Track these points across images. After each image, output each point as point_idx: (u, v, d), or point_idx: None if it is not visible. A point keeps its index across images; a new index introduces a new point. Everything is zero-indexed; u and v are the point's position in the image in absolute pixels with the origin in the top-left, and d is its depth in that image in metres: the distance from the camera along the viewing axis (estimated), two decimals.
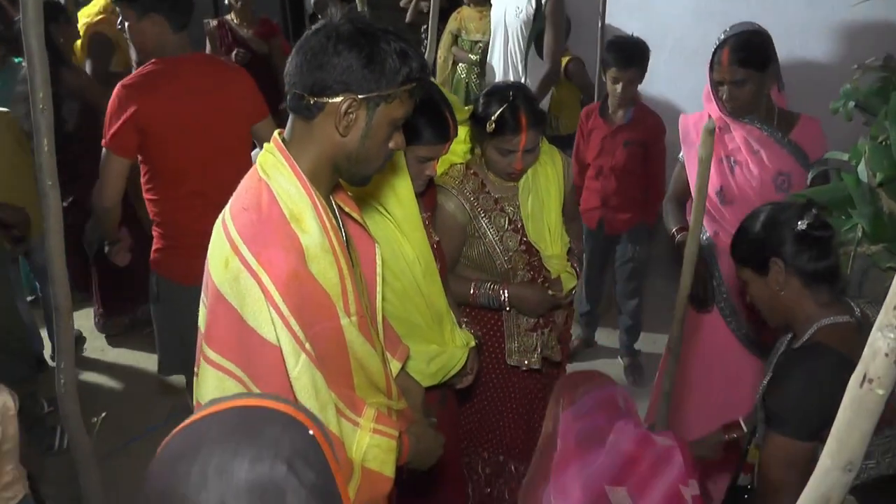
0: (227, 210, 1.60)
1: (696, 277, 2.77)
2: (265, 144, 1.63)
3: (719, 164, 2.78)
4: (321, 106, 1.52)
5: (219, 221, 1.60)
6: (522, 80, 4.22)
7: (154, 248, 2.90)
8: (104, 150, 2.72)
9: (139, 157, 2.78)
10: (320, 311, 1.55)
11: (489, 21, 4.61)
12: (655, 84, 3.78)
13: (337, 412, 1.58)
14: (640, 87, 3.79)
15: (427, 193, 2.39)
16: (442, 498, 2.47)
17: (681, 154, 3.00)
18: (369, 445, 1.64)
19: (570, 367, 3.29)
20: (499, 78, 4.45)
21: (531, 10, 4.23)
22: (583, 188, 3.96)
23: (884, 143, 2.13)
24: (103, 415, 2.28)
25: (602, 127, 3.81)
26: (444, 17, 4.99)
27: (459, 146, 2.60)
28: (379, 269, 1.83)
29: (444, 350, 2.25)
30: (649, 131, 3.78)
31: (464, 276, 2.58)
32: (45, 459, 3.23)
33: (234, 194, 1.63)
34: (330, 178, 1.63)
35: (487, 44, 4.68)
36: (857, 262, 2.18)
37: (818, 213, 1.94)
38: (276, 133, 1.63)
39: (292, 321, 1.48)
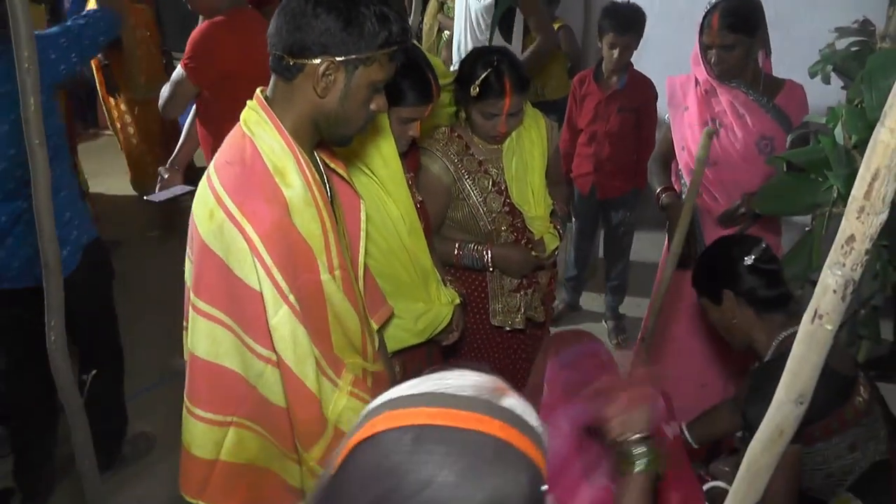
0: (211, 165, 1.63)
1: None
2: (248, 101, 1.65)
3: (704, 127, 2.82)
4: (300, 67, 1.55)
5: (204, 176, 1.63)
6: None
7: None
8: (181, 71, 3.03)
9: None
10: (303, 263, 1.58)
11: None
12: (643, 50, 3.79)
13: (318, 369, 1.62)
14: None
15: (409, 155, 2.41)
16: None
17: (666, 115, 3.04)
18: (345, 408, 1.67)
19: (556, 330, 3.35)
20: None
21: None
22: (574, 154, 3.99)
23: (859, 105, 2.17)
24: (94, 372, 2.30)
25: (596, 93, 3.84)
26: None
27: (444, 109, 2.62)
28: (363, 225, 1.86)
29: (430, 307, 2.30)
30: (643, 97, 3.82)
31: (448, 237, 2.62)
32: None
33: (219, 149, 1.65)
34: (312, 135, 1.66)
35: None
36: (833, 222, 2.23)
37: (766, 246, 2.10)
38: (258, 91, 1.66)
39: (275, 271, 1.52)
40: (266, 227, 1.51)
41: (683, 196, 2.98)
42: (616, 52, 3.68)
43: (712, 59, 2.75)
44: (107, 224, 5.10)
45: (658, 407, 1.97)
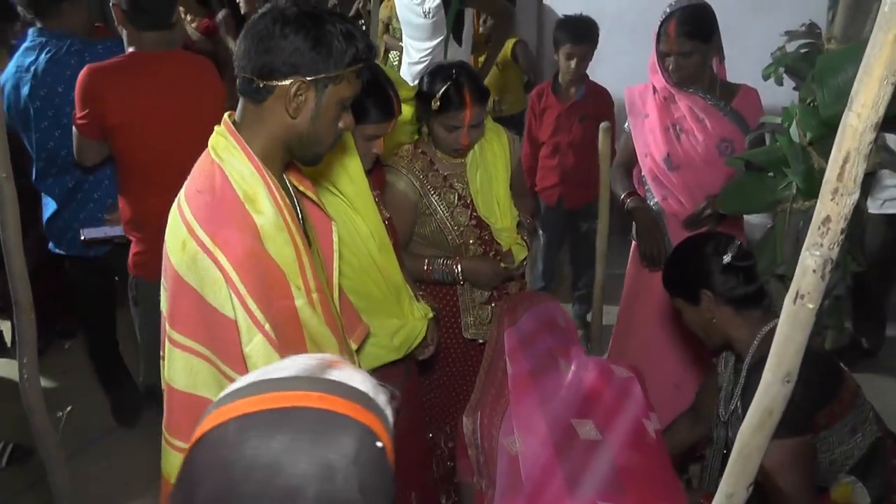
0: (181, 193, 1.62)
1: (650, 237, 2.91)
2: (216, 127, 1.65)
3: (666, 132, 2.90)
4: (270, 89, 1.55)
5: (174, 205, 1.62)
6: None
7: (133, 251, 2.90)
8: (75, 130, 2.78)
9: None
10: (277, 290, 1.58)
11: None
12: (597, 62, 3.87)
13: None
14: None
15: (374, 173, 2.43)
16: (407, 471, 2.52)
17: (626, 124, 3.10)
18: None
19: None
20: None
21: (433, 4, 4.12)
22: (537, 167, 4.04)
23: (812, 104, 2.24)
24: (69, 408, 2.27)
25: (556, 105, 3.90)
26: None
27: (406, 126, 2.65)
28: (336, 246, 1.86)
29: (404, 323, 2.30)
30: (602, 105, 3.89)
31: (417, 253, 2.64)
32: None
33: (189, 177, 1.65)
34: (282, 159, 1.66)
35: None
36: (794, 218, 2.30)
37: (739, 243, 2.09)
38: (226, 115, 1.66)
39: (249, 300, 1.52)
40: (239, 256, 1.51)
41: (648, 200, 3.05)
42: (574, 63, 3.75)
43: (670, 67, 2.82)
44: None
45: (637, 396, 1.98)
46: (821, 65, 2.17)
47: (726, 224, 2.90)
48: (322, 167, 2.06)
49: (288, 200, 1.65)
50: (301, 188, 1.79)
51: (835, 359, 2.07)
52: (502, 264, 2.65)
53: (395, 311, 2.31)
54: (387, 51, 5.13)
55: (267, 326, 1.54)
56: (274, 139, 1.61)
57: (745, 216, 3.08)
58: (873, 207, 3.41)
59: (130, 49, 2.78)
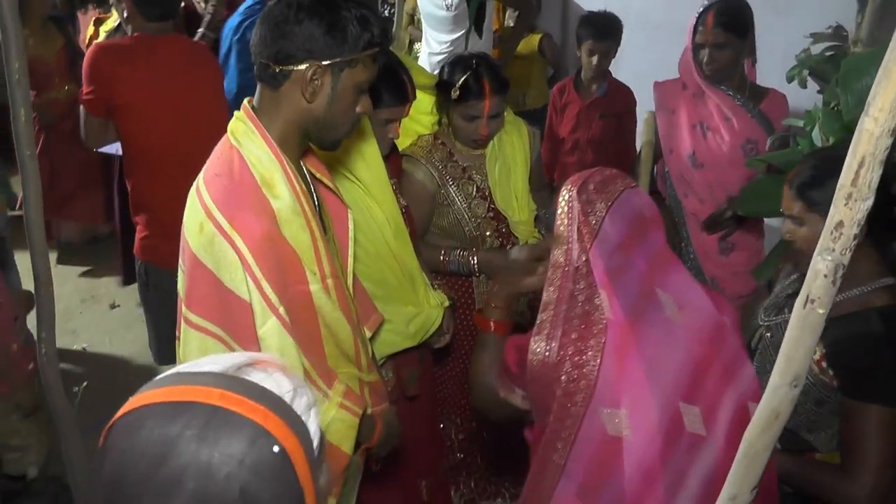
0: (200, 177, 1.64)
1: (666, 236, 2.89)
2: (236, 112, 1.66)
3: (692, 130, 2.90)
4: (287, 74, 1.57)
5: (193, 188, 1.64)
6: None
7: (139, 236, 2.92)
8: (82, 109, 2.79)
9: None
10: (292, 275, 1.60)
11: None
12: (620, 59, 3.85)
13: (308, 379, 1.63)
14: None
15: (391, 161, 2.45)
16: (419, 459, 2.54)
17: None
18: (333, 419, 1.68)
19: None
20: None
21: None
22: (556, 163, 4.03)
23: (835, 108, 2.22)
24: (84, 384, 2.30)
25: (577, 101, 3.88)
26: None
27: (426, 117, 2.67)
28: (351, 234, 1.88)
29: (420, 311, 2.32)
30: (623, 103, 3.87)
31: (434, 244, 2.65)
32: None
33: (208, 161, 1.67)
34: (299, 144, 1.68)
35: None
36: None
37: None
38: (245, 101, 1.67)
39: (264, 283, 1.53)
40: (255, 239, 1.53)
41: (668, 199, 3.04)
42: (595, 59, 3.74)
43: (704, 59, 2.82)
44: None
45: (747, 375, 1.60)
46: (845, 68, 2.15)
47: (746, 226, 2.89)
48: (339, 153, 2.07)
49: (304, 187, 1.66)
50: (318, 175, 1.81)
51: None
52: None
53: (411, 298, 2.32)
54: (411, 42, 5.13)
55: (281, 310, 1.55)
56: (291, 124, 1.63)
57: (765, 220, 3.05)
58: None
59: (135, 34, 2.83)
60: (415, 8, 5.03)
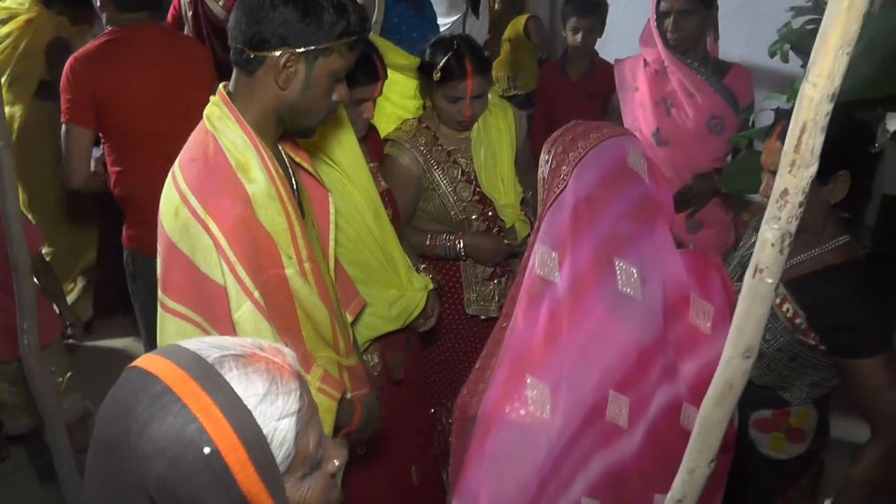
0: (176, 162, 1.64)
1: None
2: (211, 97, 1.66)
3: (656, 107, 2.88)
4: (261, 59, 1.56)
5: (170, 173, 1.64)
6: None
7: (126, 225, 2.91)
8: (64, 125, 2.72)
9: (100, 134, 2.80)
10: (268, 259, 1.60)
11: None
12: (608, 40, 3.83)
13: None
14: (596, 46, 3.83)
15: (371, 143, 2.44)
16: (409, 444, 2.54)
17: (613, 97, 3.08)
18: None
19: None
20: None
21: None
22: None
23: None
24: (68, 374, 2.30)
25: (564, 82, 3.87)
26: None
27: (410, 101, 2.65)
28: (332, 217, 1.87)
29: (403, 294, 2.31)
30: (610, 83, 3.83)
31: (420, 228, 2.65)
32: None
33: (184, 146, 1.67)
34: (276, 129, 1.67)
35: None
36: None
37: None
38: (220, 86, 1.67)
39: (238, 268, 1.53)
40: (229, 224, 1.53)
41: None
42: (580, 37, 3.71)
43: (668, 28, 2.78)
44: None
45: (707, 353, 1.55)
46: None
47: (713, 204, 2.88)
48: (316, 139, 2.07)
49: (282, 171, 1.66)
50: (297, 159, 1.80)
51: None
52: (505, 240, 2.65)
53: (393, 281, 2.32)
54: None
55: (256, 294, 1.55)
56: (266, 109, 1.62)
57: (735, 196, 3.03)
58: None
59: (108, 28, 2.80)
60: None
